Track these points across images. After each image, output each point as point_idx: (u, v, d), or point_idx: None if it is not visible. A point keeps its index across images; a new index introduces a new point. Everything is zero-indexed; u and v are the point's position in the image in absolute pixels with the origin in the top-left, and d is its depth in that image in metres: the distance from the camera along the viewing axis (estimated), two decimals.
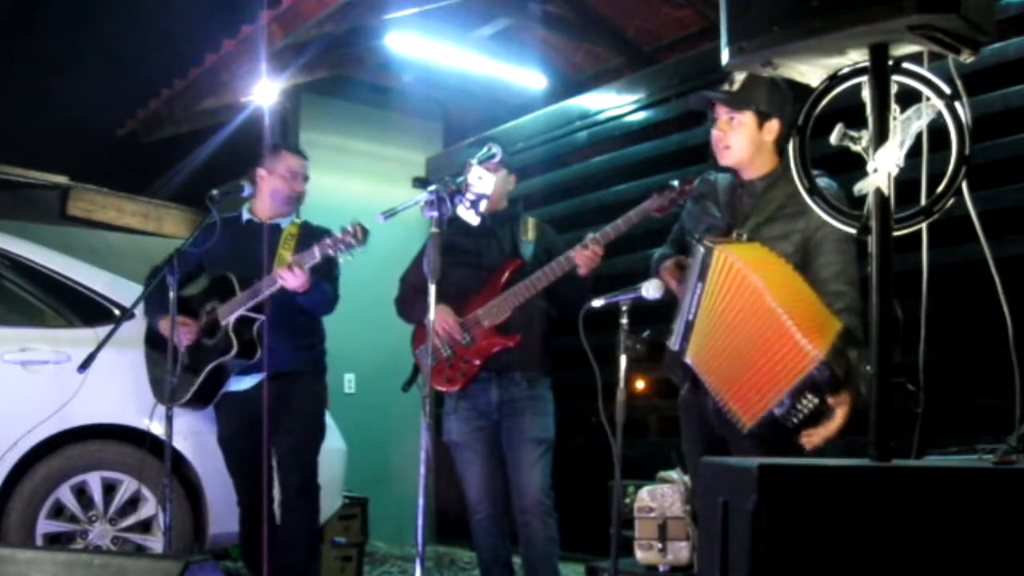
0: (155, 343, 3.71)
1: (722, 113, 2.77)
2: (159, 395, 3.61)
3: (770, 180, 2.77)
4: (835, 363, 2.41)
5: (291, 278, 3.36)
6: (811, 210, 2.31)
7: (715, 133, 2.80)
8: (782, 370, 2.49)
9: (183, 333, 3.54)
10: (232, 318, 3.47)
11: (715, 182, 2.91)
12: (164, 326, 3.50)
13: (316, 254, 3.34)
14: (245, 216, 3.74)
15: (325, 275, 3.57)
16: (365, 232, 3.29)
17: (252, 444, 3.53)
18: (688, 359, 2.72)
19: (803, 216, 2.64)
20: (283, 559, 3.58)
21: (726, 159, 2.80)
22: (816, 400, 2.44)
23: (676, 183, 3.08)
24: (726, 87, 2.76)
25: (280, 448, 3.62)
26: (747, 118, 2.73)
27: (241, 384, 3.60)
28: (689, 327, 2.70)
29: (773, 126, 2.74)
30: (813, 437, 2.50)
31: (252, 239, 3.63)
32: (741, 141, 2.75)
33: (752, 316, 2.53)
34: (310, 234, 3.67)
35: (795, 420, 2.48)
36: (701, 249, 2.67)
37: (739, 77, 2.74)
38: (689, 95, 2.96)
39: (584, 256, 3.25)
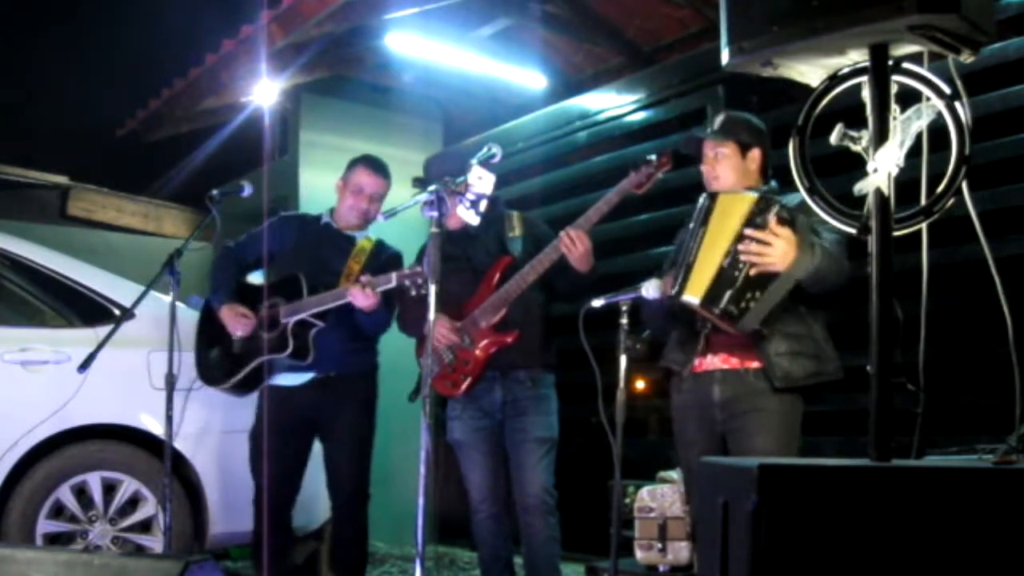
0: (208, 325, 3.72)
1: (708, 149, 2.98)
2: (204, 376, 3.67)
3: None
4: (775, 201, 2.63)
5: (361, 298, 3.37)
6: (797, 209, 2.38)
7: (704, 168, 3.00)
8: (731, 226, 2.69)
9: (241, 324, 3.55)
10: (293, 319, 3.48)
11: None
12: (225, 312, 3.56)
13: (393, 280, 3.33)
14: (325, 219, 3.75)
15: (387, 302, 3.56)
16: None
17: (294, 442, 3.57)
18: (685, 296, 2.75)
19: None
20: (336, 561, 3.74)
21: (716, 189, 2.95)
22: (758, 230, 2.61)
23: (652, 157, 3.12)
24: (708, 129, 3.02)
25: (333, 455, 3.65)
26: (730, 149, 2.95)
27: (292, 380, 3.58)
28: (688, 269, 2.76)
29: (755, 155, 2.95)
30: (753, 249, 2.62)
31: (326, 244, 3.67)
32: (727, 170, 2.95)
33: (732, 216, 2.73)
34: (383, 252, 3.72)
35: (740, 268, 2.63)
36: (705, 201, 2.84)
37: (717, 118, 3.03)
38: (680, 141, 3.18)
39: (567, 244, 3.22)
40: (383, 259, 3.68)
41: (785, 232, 2.60)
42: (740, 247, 2.64)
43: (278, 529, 3.58)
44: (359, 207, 3.68)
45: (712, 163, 2.96)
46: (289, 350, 3.47)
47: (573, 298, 3.33)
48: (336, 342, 3.54)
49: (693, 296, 2.72)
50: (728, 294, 2.63)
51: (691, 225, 2.83)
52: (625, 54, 6.41)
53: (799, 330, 2.77)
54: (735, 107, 3.06)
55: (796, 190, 2.30)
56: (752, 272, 2.63)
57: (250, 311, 3.59)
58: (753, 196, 2.71)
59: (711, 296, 2.67)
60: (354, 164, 3.74)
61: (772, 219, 2.61)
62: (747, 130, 2.98)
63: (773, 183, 2.97)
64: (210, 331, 3.65)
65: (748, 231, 2.63)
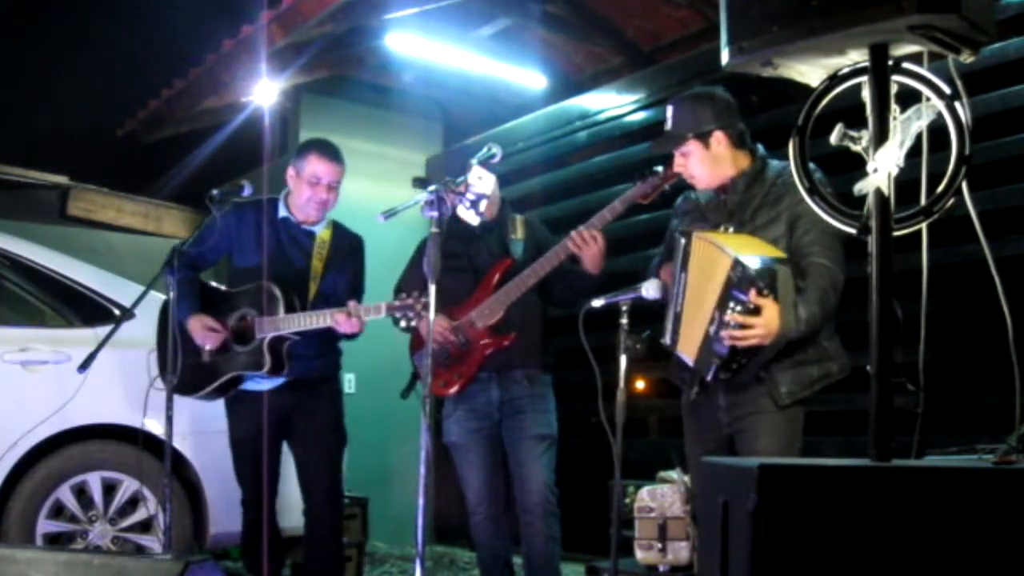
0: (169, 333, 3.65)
1: (675, 152, 2.91)
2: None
3: (749, 176, 2.85)
4: (751, 264, 2.49)
5: (347, 326, 3.32)
6: (793, 188, 2.35)
7: (678, 169, 2.94)
8: (712, 288, 2.58)
9: (211, 338, 3.44)
10: (271, 336, 3.40)
11: (696, 199, 3.00)
12: (194, 324, 3.43)
13: (383, 310, 3.28)
14: (282, 212, 3.60)
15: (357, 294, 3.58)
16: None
17: (270, 445, 3.51)
18: (679, 351, 2.74)
19: (786, 195, 2.73)
20: (311, 565, 3.63)
21: (699, 185, 2.93)
22: (739, 306, 2.50)
23: (660, 169, 3.10)
24: (665, 129, 2.92)
25: (306, 454, 3.59)
26: (690, 146, 2.86)
27: (261, 385, 3.52)
28: (678, 319, 2.76)
29: (719, 137, 2.85)
30: (736, 334, 2.51)
31: (287, 242, 3.56)
32: (697, 166, 2.88)
33: (712, 276, 2.61)
34: (341, 241, 3.65)
35: (729, 339, 2.52)
36: (681, 240, 2.77)
37: (669, 112, 2.91)
38: (649, 149, 3.07)
39: (578, 242, 3.20)
40: (345, 248, 3.64)
41: (766, 303, 2.49)
42: (723, 333, 2.54)
43: (268, 531, 3.56)
44: (318, 198, 3.53)
45: (683, 167, 2.90)
46: (267, 367, 3.39)
47: (571, 303, 3.31)
48: (305, 347, 3.49)
49: (687, 355, 2.73)
50: (719, 364, 2.59)
51: (675, 269, 2.79)
52: (625, 54, 6.42)
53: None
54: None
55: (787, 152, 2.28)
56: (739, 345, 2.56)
57: (218, 323, 3.48)
58: (728, 259, 2.54)
59: (703, 361, 2.65)
60: (305, 152, 3.56)
61: (753, 293, 2.48)
62: (697, 118, 2.84)
63: (760, 148, 2.92)
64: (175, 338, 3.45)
65: (729, 315, 2.51)
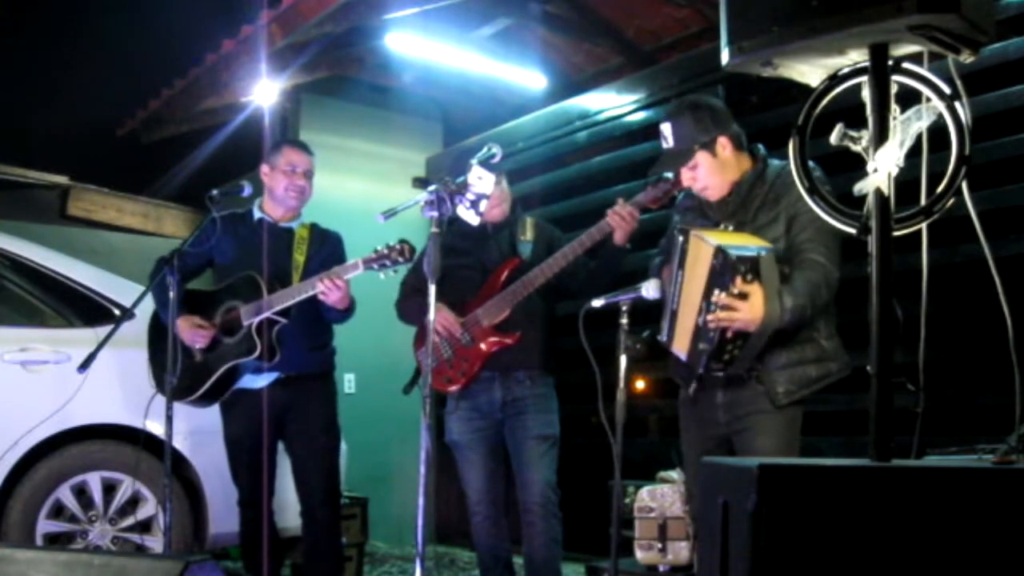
0: (160, 338, 3.62)
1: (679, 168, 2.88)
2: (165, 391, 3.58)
3: (751, 178, 2.84)
4: (733, 252, 2.47)
5: (333, 292, 3.31)
6: (791, 187, 2.34)
7: (687, 184, 2.90)
8: (699, 280, 2.58)
9: (200, 336, 3.46)
10: (257, 320, 3.40)
11: (698, 195, 2.97)
12: (181, 325, 3.42)
13: (360, 267, 3.30)
14: (256, 214, 3.66)
15: None
16: (412, 251, 3.26)
17: (265, 443, 3.51)
18: (674, 347, 2.75)
19: (784, 194, 2.73)
20: (309, 565, 3.62)
21: (711, 195, 2.88)
22: (724, 293, 2.48)
23: (670, 175, 3.09)
24: (662, 145, 2.89)
25: (302, 454, 3.59)
26: (699, 158, 2.83)
27: (255, 383, 3.53)
28: (674, 316, 2.77)
29: (723, 142, 2.83)
30: (721, 316, 2.50)
31: (267, 240, 3.57)
32: (708, 176, 2.84)
33: (699, 269, 2.61)
34: (321, 237, 3.68)
35: (713, 330, 2.52)
36: (679, 238, 2.77)
37: (666, 131, 2.86)
38: (649, 172, 3.06)
39: (616, 220, 3.22)
40: (325, 243, 3.67)
41: (752, 288, 2.48)
42: (709, 316, 2.53)
43: (263, 531, 3.56)
44: (296, 185, 3.61)
45: (692, 180, 2.87)
46: (258, 352, 3.39)
47: (602, 286, 3.28)
48: (296, 341, 3.49)
49: (681, 350, 2.73)
50: (708, 353, 2.58)
51: (673, 266, 2.79)
52: (625, 54, 6.41)
53: (800, 335, 2.72)
54: (735, 107, 3.00)
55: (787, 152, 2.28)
56: (727, 333, 2.54)
57: (205, 321, 3.49)
58: (710, 248, 2.55)
59: (694, 354, 2.65)
60: (276, 147, 3.68)
61: (738, 280, 2.47)
62: (699, 128, 2.82)
63: (761, 149, 2.90)
64: (162, 347, 3.45)
65: (715, 297, 2.51)
